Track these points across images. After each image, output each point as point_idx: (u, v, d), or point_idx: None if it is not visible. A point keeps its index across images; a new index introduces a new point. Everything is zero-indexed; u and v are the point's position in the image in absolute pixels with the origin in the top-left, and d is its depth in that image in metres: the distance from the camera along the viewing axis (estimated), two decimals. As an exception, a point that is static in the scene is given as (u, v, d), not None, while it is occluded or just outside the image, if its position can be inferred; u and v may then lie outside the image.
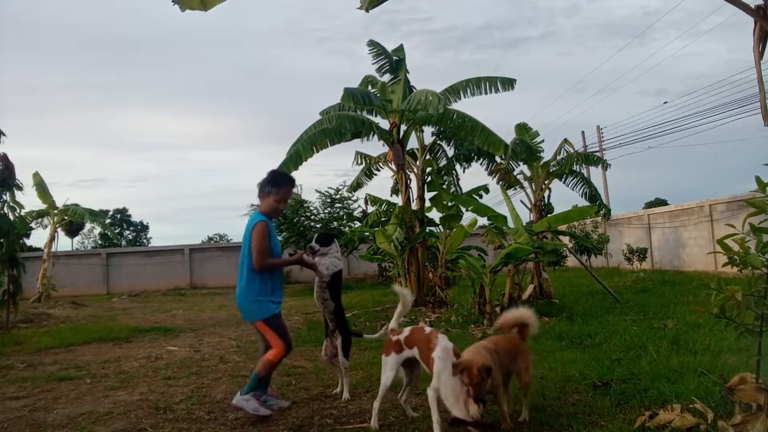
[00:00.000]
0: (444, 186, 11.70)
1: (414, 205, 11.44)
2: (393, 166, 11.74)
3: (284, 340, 4.12)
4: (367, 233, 13.94)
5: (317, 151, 10.55)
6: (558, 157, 11.37)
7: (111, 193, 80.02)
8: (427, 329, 3.75)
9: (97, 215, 19.76)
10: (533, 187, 11.23)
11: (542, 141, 11.19)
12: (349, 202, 19.68)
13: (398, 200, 12.09)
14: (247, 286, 4.12)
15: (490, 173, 11.94)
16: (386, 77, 11.79)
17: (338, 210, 19.90)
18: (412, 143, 12.00)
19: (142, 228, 56.77)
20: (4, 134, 10.38)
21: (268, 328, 4.11)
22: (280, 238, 19.40)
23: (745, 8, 3.47)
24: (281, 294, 4.30)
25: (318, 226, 18.64)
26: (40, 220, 17.73)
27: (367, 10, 4.49)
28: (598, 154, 23.69)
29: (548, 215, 10.42)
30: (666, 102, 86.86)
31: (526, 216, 11.02)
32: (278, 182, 4.28)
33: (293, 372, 5.52)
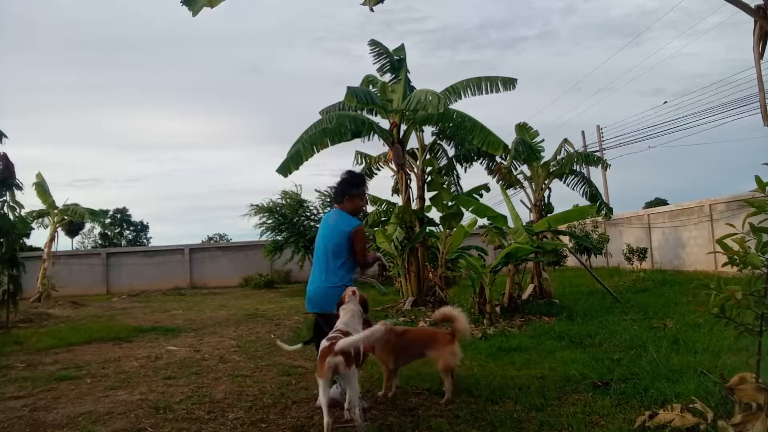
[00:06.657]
0: (444, 186, 11.69)
1: (414, 205, 11.44)
2: (393, 166, 11.74)
3: None
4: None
5: (318, 151, 10.56)
6: (558, 157, 11.36)
7: (108, 192, 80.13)
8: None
9: (97, 215, 19.77)
10: (533, 186, 11.22)
11: (542, 141, 11.19)
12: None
13: (398, 200, 12.10)
14: (333, 278, 4.29)
15: (491, 173, 11.94)
16: (387, 77, 11.78)
17: (338, 209, 19.91)
18: (412, 143, 12.00)
19: (142, 228, 56.90)
20: (5, 135, 10.39)
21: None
22: (280, 237, 19.44)
23: (745, 8, 3.47)
24: None
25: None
26: (40, 220, 17.73)
27: (371, 9, 4.50)
28: (598, 153, 23.69)
29: (548, 215, 10.41)
30: (666, 102, 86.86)
31: (526, 216, 11.02)
32: (359, 183, 4.58)
33: (293, 372, 5.52)
